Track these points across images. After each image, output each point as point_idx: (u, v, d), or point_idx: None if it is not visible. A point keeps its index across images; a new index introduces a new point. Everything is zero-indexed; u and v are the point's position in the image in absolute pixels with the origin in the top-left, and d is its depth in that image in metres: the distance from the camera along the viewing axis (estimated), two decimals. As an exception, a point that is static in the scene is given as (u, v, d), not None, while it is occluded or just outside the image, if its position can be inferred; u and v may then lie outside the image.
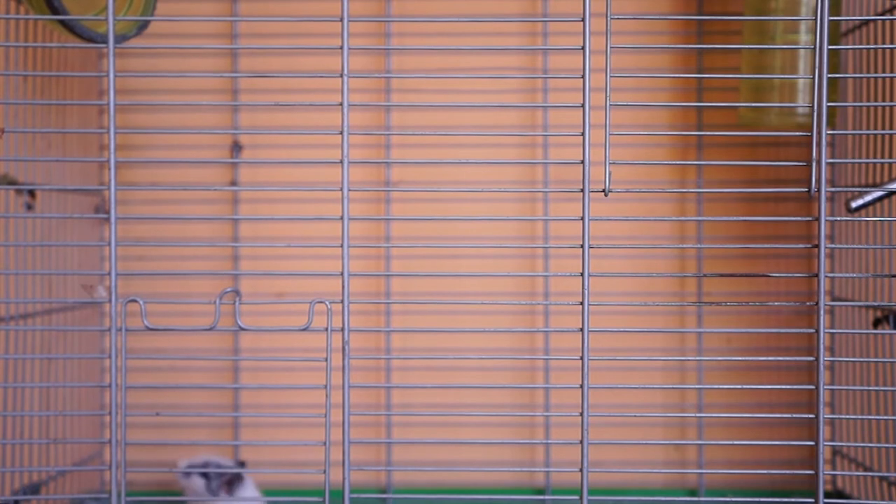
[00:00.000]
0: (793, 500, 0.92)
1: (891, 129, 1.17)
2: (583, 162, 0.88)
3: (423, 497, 1.32)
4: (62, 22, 0.98)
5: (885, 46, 0.91)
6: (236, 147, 1.35)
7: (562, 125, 1.34)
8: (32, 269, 1.14)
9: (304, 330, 0.91)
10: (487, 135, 1.30)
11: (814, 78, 0.88)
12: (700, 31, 1.33)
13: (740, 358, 1.06)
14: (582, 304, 0.89)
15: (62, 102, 1.03)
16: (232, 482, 1.20)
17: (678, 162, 1.38)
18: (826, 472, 0.91)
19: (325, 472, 0.91)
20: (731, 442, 1.10)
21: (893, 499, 1.14)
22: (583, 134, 0.88)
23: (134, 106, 1.31)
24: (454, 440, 1.36)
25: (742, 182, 1.34)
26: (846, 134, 1.28)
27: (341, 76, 0.89)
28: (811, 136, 0.88)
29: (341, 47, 0.89)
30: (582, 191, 0.89)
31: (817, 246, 0.89)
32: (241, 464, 1.30)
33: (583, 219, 0.89)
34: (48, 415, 1.07)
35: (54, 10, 0.96)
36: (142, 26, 1.04)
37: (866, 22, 1.22)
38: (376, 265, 1.35)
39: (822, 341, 0.89)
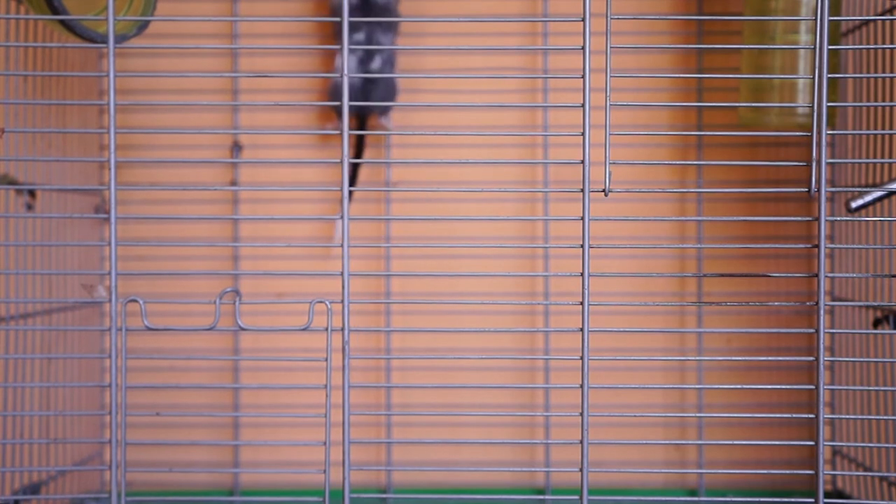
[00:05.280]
0: (793, 500, 0.92)
1: (891, 129, 1.17)
2: (583, 162, 0.88)
3: (423, 497, 1.32)
4: (62, 22, 0.98)
5: (885, 46, 0.91)
6: (236, 147, 1.35)
7: (562, 125, 1.34)
8: (32, 269, 1.14)
9: (304, 330, 0.91)
10: (487, 135, 1.30)
11: (814, 78, 0.88)
12: (700, 31, 1.33)
13: (740, 358, 1.06)
14: (582, 304, 0.89)
15: (62, 102, 1.03)
16: None
17: (678, 162, 1.38)
18: (826, 472, 0.91)
19: (325, 472, 0.91)
20: (731, 442, 1.10)
21: (893, 499, 1.14)
22: (583, 134, 0.88)
23: (134, 106, 1.31)
24: (454, 440, 1.36)
25: (742, 182, 1.34)
26: (846, 134, 1.28)
27: (342, 76, 0.89)
28: (811, 136, 0.88)
29: (341, 47, 0.89)
30: (582, 191, 0.89)
31: (817, 246, 0.89)
32: None
33: (583, 219, 0.89)
34: (48, 415, 1.07)
35: (54, 10, 0.96)
36: (142, 26, 1.04)
37: (866, 22, 1.22)
38: (376, 265, 1.35)
39: (822, 341, 0.89)
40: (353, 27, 1.27)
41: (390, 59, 1.30)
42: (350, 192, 1.31)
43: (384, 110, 1.31)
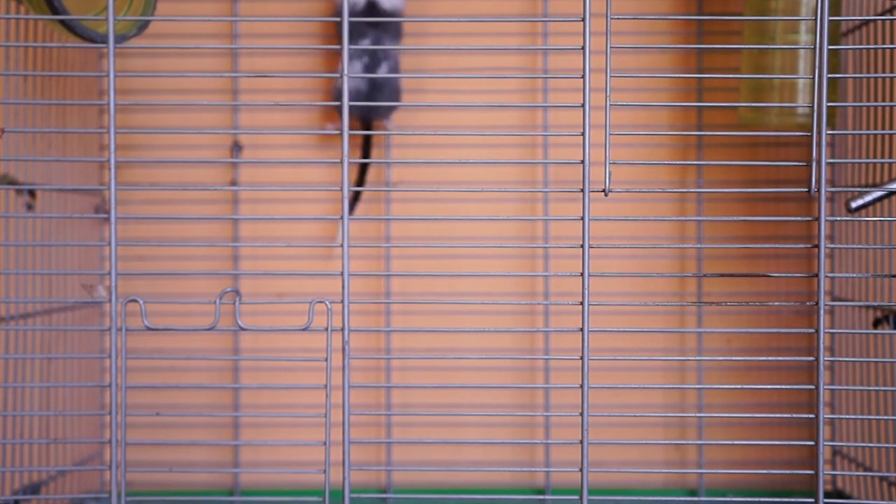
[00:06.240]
0: (793, 500, 0.92)
1: (891, 129, 1.17)
2: (583, 162, 0.88)
3: (423, 497, 1.32)
4: (62, 22, 0.98)
5: (885, 46, 0.91)
6: (236, 147, 1.35)
7: (562, 125, 1.34)
8: (32, 269, 1.14)
9: (304, 330, 0.91)
10: (487, 135, 1.30)
11: (814, 78, 0.88)
12: (700, 31, 1.33)
13: (740, 358, 1.06)
14: (582, 304, 0.89)
15: (62, 102, 1.03)
16: None
17: (678, 162, 1.38)
18: (826, 472, 0.91)
19: (325, 472, 0.91)
20: (731, 442, 1.10)
21: (893, 499, 1.14)
22: (583, 134, 0.88)
23: (134, 106, 1.32)
24: (454, 440, 1.36)
25: (742, 182, 1.34)
26: (846, 134, 1.28)
27: (342, 76, 0.89)
28: (811, 136, 0.88)
29: (341, 47, 0.89)
30: (582, 191, 0.89)
31: (817, 246, 0.89)
32: None
33: (583, 219, 0.89)
34: (48, 415, 1.07)
35: (54, 10, 0.96)
36: (142, 26, 1.04)
37: (866, 22, 1.22)
38: (376, 265, 1.35)
39: (822, 341, 0.89)
40: (361, 34, 1.27)
41: (396, 65, 1.30)
42: (357, 193, 1.32)
43: (387, 114, 1.31)
